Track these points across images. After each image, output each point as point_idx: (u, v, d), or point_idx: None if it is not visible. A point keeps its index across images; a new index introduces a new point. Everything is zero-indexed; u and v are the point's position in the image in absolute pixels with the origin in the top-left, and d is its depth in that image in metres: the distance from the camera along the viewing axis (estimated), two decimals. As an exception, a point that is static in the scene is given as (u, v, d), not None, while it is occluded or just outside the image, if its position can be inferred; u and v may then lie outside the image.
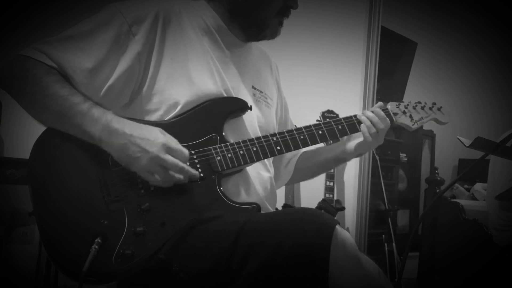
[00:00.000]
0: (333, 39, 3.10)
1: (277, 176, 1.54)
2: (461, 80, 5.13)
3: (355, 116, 1.39)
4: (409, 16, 4.79)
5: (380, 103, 1.43)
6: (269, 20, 1.33)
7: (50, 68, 1.15)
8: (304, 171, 1.59)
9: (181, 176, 1.13)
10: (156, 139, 1.13)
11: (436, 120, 1.48)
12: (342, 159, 1.50)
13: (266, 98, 1.44)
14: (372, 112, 1.39)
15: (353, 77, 3.02)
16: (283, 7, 1.32)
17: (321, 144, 1.40)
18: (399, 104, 1.45)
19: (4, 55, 1.22)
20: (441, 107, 1.48)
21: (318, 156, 1.55)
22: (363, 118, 1.37)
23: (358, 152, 1.44)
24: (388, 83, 4.35)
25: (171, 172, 1.12)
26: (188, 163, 1.18)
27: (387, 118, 1.39)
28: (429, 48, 5.10)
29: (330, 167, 1.61)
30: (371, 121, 1.37)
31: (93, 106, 1.14)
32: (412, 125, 1.45)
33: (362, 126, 1.37)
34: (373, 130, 1.36)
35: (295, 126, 1.57)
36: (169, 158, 1.12)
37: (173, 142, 1.15)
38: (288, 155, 1.55)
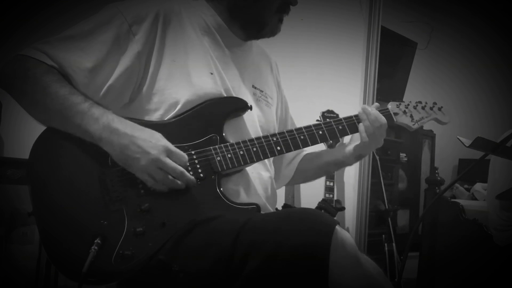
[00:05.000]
0: (333, 39, 3.10)
1: (277, 175, 1.54)
2: (461, 80, 5.12)
3: (355, 115, 1.38)
4: (409, 16, 4.79)
5: (376, 104, 1.42)
6: (268, 17, 1.32)
7: (50, 68, 1.15)
8: (305, 173, 1.59)
9: (178, 181, 1.14)
10: (158, 141, 1.13)
11: (437, 120, 1.47)
12: (342, 162, 1.49)
13: (266, 97, 1.44)
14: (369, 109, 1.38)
15: (353, 77, 3.02)
16: (282, 3, 1.32)
17: (322, 145, 1.40)
18: (400, 104, 1.44)
19: (4, 55, 1.22)
20: (441, 107, 1.47)
21: (319, 158, 1.55)
22: (363, 116, 1.36)
23: (357, 153, 1.43)
24: (388, 83, 4.34)
25: (170, 176, 1.13)
26: (188, 164, 1.18)
27: (382, 115, 1.37)
28: (429, 48, 5.10)
29: (331, 170, 1.61)
30: (368, 118, 1.36)
31: (93, 106, 1.14)
32: (413, 125, 1.44)
33: (360, 125, 1.36)
34: (370, 129, 1.36)
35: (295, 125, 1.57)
36: (169, 161, 1.12)
37: (173, 146, 1.15)
38: (290, 155, 1.55)
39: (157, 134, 1.15)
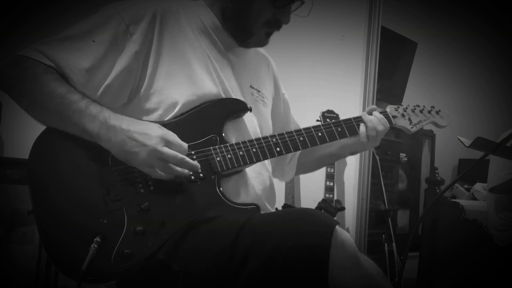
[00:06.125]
0: (333, 39, 3.10)
1: (282, 172, 1.56)
2: (461, 80, 5.12)
3: (354, 118, 1.39)
4: (409, 16, 4.79)
5: (372, 106, 1.44)
6: (255, 29, 1.32)
7: (48, 68, 1.16)
8: (304, 165, 1.61)
9: (180, 169, 1.13)
10: (154, 133, 1.12)
11: (435, 124, 1.49)
12: (337, 155, 1.52)
13: (263, 97, 1.45)
14: (372, 115, 1.40)
15: (353, 77, 3.02)
16: (271, 19, 1.31)
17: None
18: (398, 107, 1.46)
19: (4, 55, 1.22)
20: (439, 111, 1.49)
21: (317, 151, 1.56)
22: (366, 119, 1.38)
23: (353, 149, 1.46)
24: (388, 83, 4.34)
25: (171, 165, 1.12)
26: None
27: (387, 121, 1.41)
28: (429, 48, 5.10)
29: (327, 162, 1.63)
30: (372, 124, 1.38)
31: (90, 104, 1.14)
32: (411, 128, 1.46)
33: (361, 127, 1.37)
34: (373, 132, 1.37)
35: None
36: (167, 150, 1.12)
37: (171, 136, 1.14)
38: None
39: (154, 125, 1.15)
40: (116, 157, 1.14)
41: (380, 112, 1.42)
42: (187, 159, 1.14)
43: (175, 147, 1.13)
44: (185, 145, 1.15)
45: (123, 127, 1.12)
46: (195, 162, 1.16)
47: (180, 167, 1.13)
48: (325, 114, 2.77)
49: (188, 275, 1.09)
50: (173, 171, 1.13)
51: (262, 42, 1.37)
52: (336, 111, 2.77)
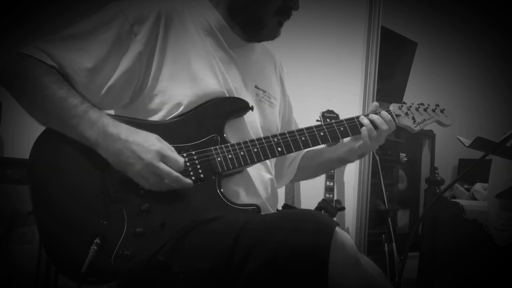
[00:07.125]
0: (333, 39, 3.10)
1: (280, 175, 1.53)
2: (461, 80, 5.12)
3: (357, 117, 1.37)
4: (409, 16, 4.79)
5: (375, 103, 1.41)
6: (266, 19, 1.31)
7: (49, 68, 1.15)
8: (307, 171, 1.59)
9: (174, 185, 1.13)
10: (151, 146, 1.12)
11: (439, 122, 1.46)
12: (344, 160, 1.48)
13: (269, 97, 1.43)
14: (378, 114, 1.37)
15: (353, 77, 3.02)
16: (282, 6, 1.30)
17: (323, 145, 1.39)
18: (402, 106, 1.43)
19: (4, 55, 1.22)
20: (444, 109, 1.45)
21: (321, 156, 1.54)
22: (365, 121, 1.35)
23: (360, 152, 1.43)
24: (388, 84, 4.34)
25: (166, 180, 1.12)
26: (188, 164, 1.18)
27: (393, 121, 1.38)
28: (429, 48, 5.10)
29: (333, 167, 1.60)
30: (375, 124, 1.35)
31: (89, 109, 1.13)
32: (415, 127, 1.42)
33: (363, 129, 1.35)
34: (374, 133, 1.35)
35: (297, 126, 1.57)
36: (162, 166, 1.11)
37: (168, 150, 1.14)
38: (291, 154, 1.55)
39: (152, 136, 1.14)
40: (113, 165, 1.13)
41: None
42: (181, 177, 1.13)
43: (171, 163, 1.13)
44: (181, 160, 1.15)
45: (121, 136, 1.12)
46: (188, 180, 1.15)
47: (174, 184, 1.13)
48: (325, 114, 2.76)
49: (189, 276, 1.09)
50: (166, 186, 1.13)
51: (275, 32, 1.34)
52: (336, 111, 2.77)
